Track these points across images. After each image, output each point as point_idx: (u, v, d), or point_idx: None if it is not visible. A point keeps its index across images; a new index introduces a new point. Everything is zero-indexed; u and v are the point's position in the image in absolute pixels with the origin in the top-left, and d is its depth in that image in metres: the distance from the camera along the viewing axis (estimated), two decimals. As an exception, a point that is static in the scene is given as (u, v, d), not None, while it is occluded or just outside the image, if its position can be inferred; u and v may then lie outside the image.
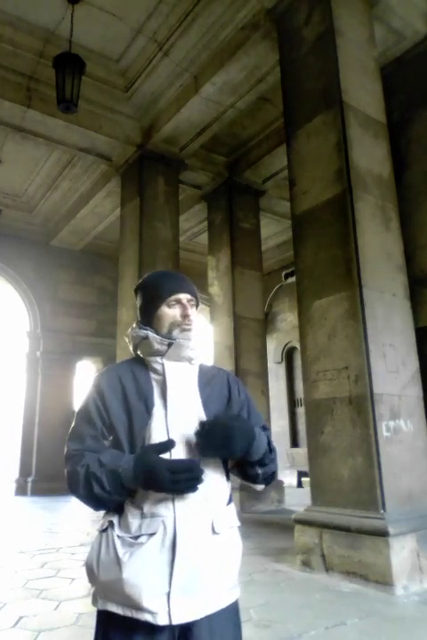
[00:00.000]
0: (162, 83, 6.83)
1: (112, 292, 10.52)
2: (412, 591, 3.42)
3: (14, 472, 11.29)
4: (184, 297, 1.39)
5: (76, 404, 12.04)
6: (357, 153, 4.41)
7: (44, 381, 11.08)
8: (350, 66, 4.66)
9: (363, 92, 4.70)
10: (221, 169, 8.62)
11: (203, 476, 1.19)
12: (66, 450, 1.30)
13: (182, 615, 1.16)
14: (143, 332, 1.37)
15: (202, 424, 1.23)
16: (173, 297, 1.38)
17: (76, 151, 7.82)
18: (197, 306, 1.44)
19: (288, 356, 13.14)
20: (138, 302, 1.46)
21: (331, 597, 3.37)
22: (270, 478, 1.38)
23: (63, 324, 11.46)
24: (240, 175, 8.61)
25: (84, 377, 12.54)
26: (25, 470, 10.73)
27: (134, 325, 1.43)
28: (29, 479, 10.58)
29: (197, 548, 1.20)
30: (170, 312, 1.37)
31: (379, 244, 4.34)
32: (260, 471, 1.32)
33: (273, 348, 12.95)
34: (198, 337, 1.40)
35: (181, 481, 1.15)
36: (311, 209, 4.58)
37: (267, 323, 11.93)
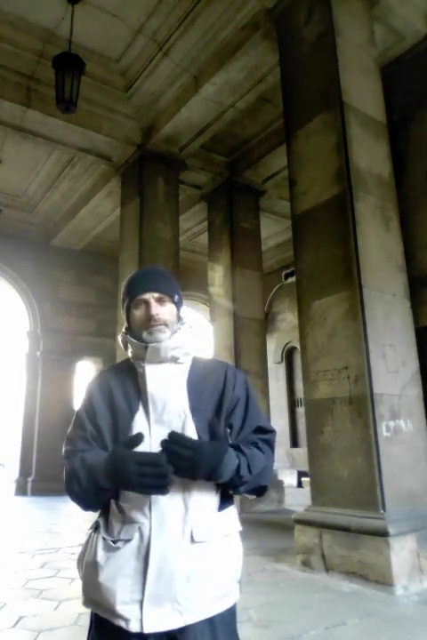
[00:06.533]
0: (162, 83, 6.83)
1: (112, 292, 10.51)
2: (412, 591, 3.42)
3: (14, 472, 11.29)
4: (149, 296, 1.33)
5: (77, 405, 12.10)
6: (357, 153, 4.41)
7: (44, 381, 11.07)
8: (349, 66, 4.66)
9: (363, 92, 4.70)
10: (221, 169, 8.62)
11: (171, 476, 1.12)
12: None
13: (155, 624, 1.14)
14: (124, 337, 1.37)
15: (162, 442, 1.16)
16: (138, 298, 1.34)
17: (76, 151, 7.82)
18: (173, 300, 1.37)
19: (288, 356, 13.14)
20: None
21: (331, 597, 3.37)
22: (257, 492, 1.33)
23: (63, 323, 11.45)
24: (240, 175, 8.61)
25: (84, 377, 12.54)
26: (25, 470, 10.73)
27: (124, 329, 1.41)
28: (29, 479, 10.57)
29: (172, 557, 1.16)
30: (137, 313, 1.35)
31: (379, 244, 4.34)
32: (231, 491, 1.28)
33: (273, 348, 12.94)
34: (185, 334, 1.35)
35: (147, 475, 1.11)
36: (311, 209, 4.58)
37: (267, 323, 11.92)
